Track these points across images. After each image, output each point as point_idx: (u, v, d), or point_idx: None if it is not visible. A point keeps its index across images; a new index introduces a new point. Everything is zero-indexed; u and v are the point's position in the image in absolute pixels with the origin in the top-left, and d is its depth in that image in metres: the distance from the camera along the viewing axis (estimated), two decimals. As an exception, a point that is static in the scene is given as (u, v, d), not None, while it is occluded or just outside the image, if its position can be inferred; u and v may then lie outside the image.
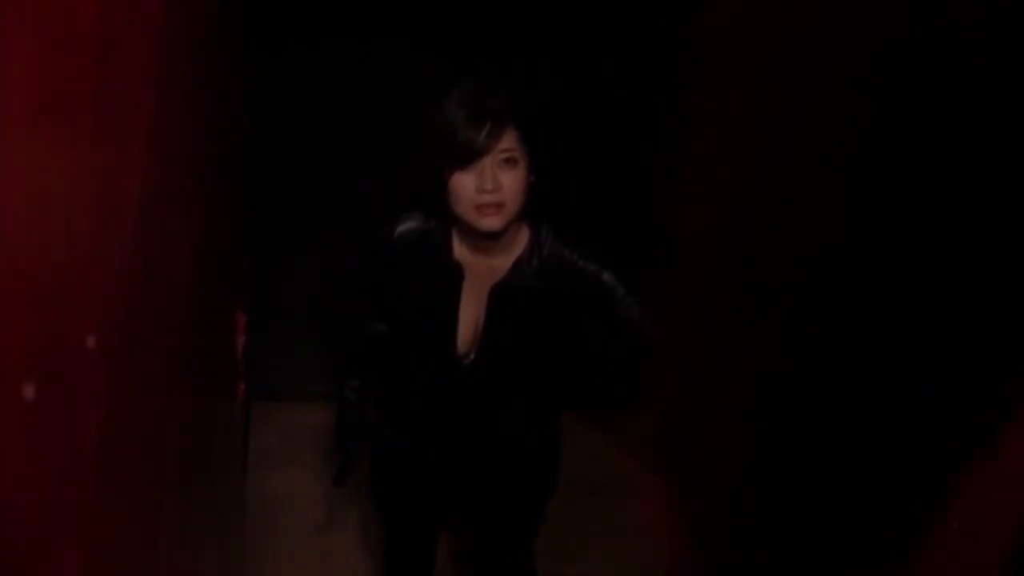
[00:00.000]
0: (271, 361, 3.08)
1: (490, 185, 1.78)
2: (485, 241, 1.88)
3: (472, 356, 1.93)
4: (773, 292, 1.43)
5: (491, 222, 1.81)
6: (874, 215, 1.26)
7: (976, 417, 1.03)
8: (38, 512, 0.64)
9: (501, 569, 2.26)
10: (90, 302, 0.74)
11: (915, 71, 1.04)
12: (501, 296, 1.90)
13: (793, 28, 1.35)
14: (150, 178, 0.98)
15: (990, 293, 1.03)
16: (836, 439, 1.35)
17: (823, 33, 1.20)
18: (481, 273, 1.91)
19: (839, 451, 1.32)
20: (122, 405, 0.85)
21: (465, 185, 1.79)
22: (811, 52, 1.25)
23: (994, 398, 1.00)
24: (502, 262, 1.91)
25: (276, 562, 2.67)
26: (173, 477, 1.14)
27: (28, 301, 0.61)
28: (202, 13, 1.52)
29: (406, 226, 1.93)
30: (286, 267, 3.14)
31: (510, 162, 1.80)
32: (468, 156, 1.77)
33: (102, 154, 0.78)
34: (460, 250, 1.92)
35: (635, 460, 2.89)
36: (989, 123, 0.98)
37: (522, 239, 1.92)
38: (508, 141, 1.79)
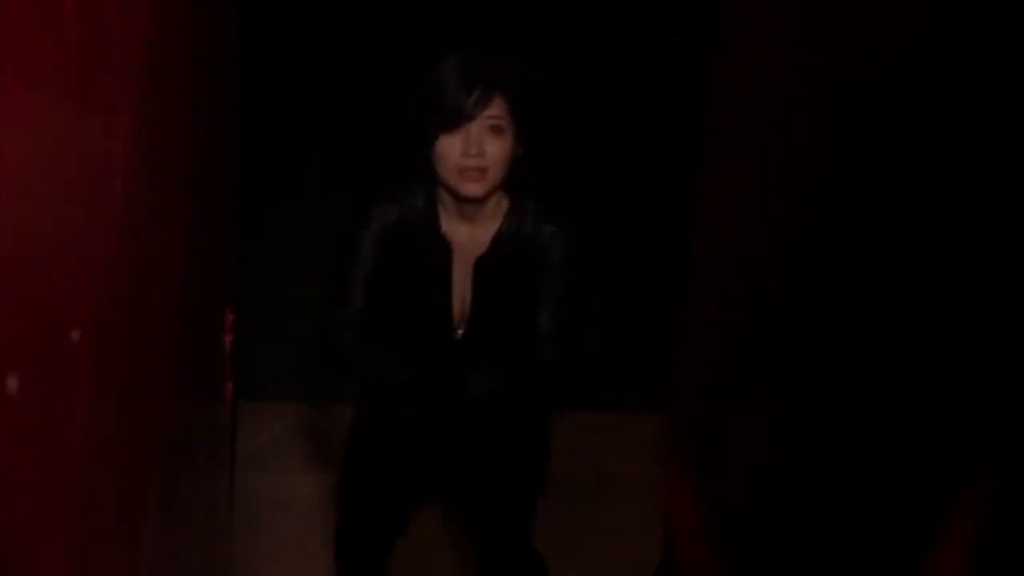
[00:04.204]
0: (262, 361, 3.09)
1: (474, 150, 1.85)
2: (468, 208, 1.92)
3: (462, 331, 1.97)
4: (799, 294, 1.42)
5: (472, 188, 1.88)
6: (905, 219, 1.26)
7: (1006, 426, 1.02)
8: (21, 506, 0.65)
9: (503, 552, 2.27)
10: (75, 296, 0.75)
11: (956, 82, 1.04)
12: (485, 269, 1.94)
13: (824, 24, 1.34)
14: (137, 171, 1.00)
15: None
16: (863, 446, 1.34)
17: (856, 33, 1.21)
18: (466, 247, 1.96)
19: (865, 459, 1.31)
20: (107, 401, 0.86)
21: (450, 148, 1.86)
22: (844, 48, 1.25)
23: None
24: (484, 233, 1.96)
25: (264, 563, 2.68)
26: (158, 475, 1.15)
27: (12, 293, 0.62)
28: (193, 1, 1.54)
29: (393, 203, 1.98)
30: (279, 266, 3.15)
31: (496, 130, 1.87)
32: (455, 119, 1.85)
33: (88, 146, 0.80)
34: (447, 225, 1.97)
35: (627, 462, 2.90)
36: None
37: (503, 211, 1.96)
38: (496, 108, 1.86)
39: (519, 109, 1.87)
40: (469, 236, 1.94)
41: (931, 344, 0.88)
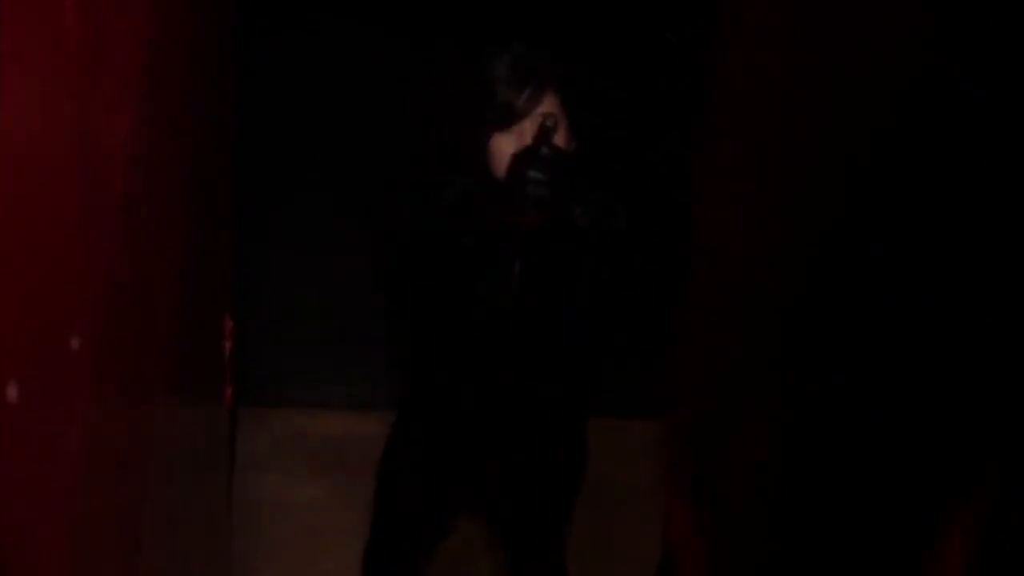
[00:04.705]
0: (262, 366, 3.08)
1: None
2: None
3: (511, 327, 1.97)
4: (798, 295, 1.42)
5: None
6: (905, 219, 1.26)
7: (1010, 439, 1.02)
8: (21, 513, 0.65)
9: (537, 561, 2.27)
10: (75, 303, 0.75)
11: (956, 82, 1.04)
12: (535, 261, 1.93)
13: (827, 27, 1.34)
14: (137, 175, 1.00)
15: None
16: (863, 448, 1.33)
17: (856, 35, 1.21)
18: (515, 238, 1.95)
19: (866, 461, 1.30)
20: (106, 407, 0.86)
21: (504, 146, 1.86)
22: (844, 48, 1.24)
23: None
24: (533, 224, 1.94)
25: (264, 567, 2.68)
26: (158, 481, 1.15)
27: (11, 301, 0.62)
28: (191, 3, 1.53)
29: (454, 189, 1.96)
30: (279, 270, 3.13)
31: None
32: (508, 118, 1.84)
33: (87, 151, 0.80)
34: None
35: (627, 466, 2.89)
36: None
37: None
38: (548, 105, 1.86)
39: (570, 104, 1.87)
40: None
41: (931, 344, 0.88)
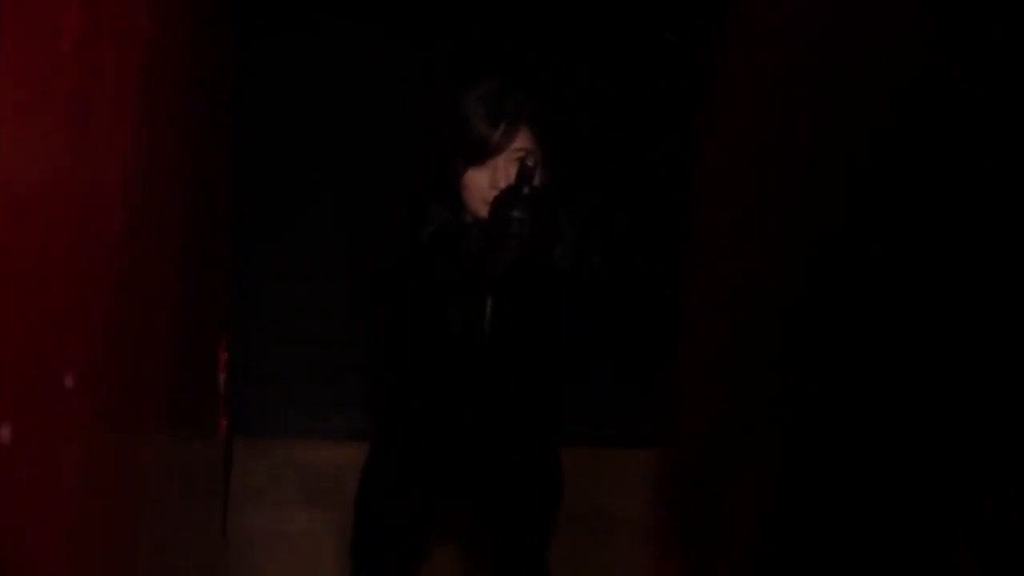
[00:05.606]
0: (260, 397, 3.04)
1: (503, 183, 1.85)
2: None
3: (486, 351, 1.98)
4: (801, 300, 1.40)
5: None
6: (905, 219, 1.25)
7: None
8: (14, 555, 0.64)
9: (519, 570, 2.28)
10: (69, 341, 0.75)
11: (956, 82, 1.04)
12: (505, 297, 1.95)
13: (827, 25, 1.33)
14: (132, 215, 0.99)
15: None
16: (870, 485, 1.32)
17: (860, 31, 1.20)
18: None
19: (871, 499, 1.29)
20: (100, 443, 0.85)
21: (478, 181, 1.88)
22: (844, 48, 1.24)
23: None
24: None
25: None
26: (153, 514, 1.15)
27: (4, 342, 0.62)
28: (189, 22, 1.52)
29: (439, 222, 1.97)
30: (277, 299, 3.08)
31: None
32: (482, 154, 1.85)
33: (81, 194, 0.79)
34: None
35: (623, 497, 2.88)
36: None
37: None
38: (522, 140, 1.88)
39: (545, 138, 1.89)
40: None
41: (933, 345, 0.88)
